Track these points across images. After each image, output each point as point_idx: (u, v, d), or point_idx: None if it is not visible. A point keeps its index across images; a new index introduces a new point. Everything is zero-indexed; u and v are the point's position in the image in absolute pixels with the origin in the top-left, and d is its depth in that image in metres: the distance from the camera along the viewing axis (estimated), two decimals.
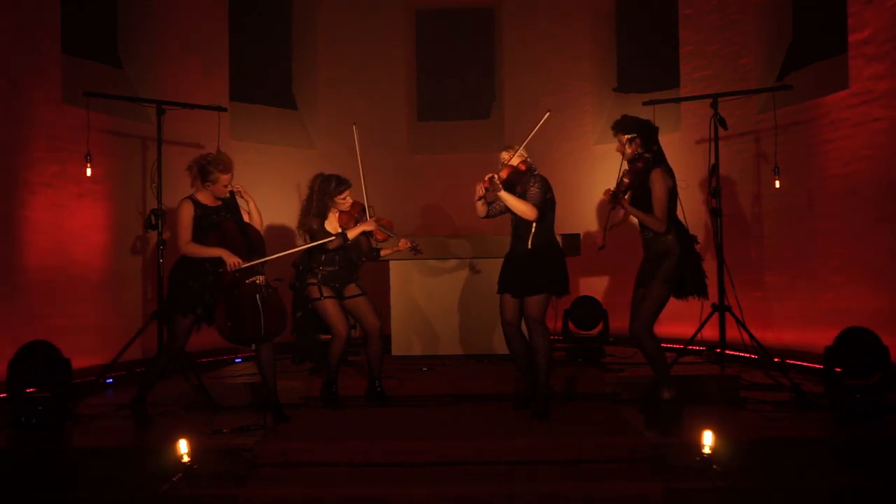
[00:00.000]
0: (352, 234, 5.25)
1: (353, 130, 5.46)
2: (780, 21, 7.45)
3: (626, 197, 4.82)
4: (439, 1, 9.51)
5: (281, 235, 7.91)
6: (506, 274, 5.16)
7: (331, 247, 5.22)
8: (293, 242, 7.09)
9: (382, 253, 5.67)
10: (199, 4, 7.95)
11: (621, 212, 5.07)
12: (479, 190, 5.05)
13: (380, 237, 5.41)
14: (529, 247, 5.02)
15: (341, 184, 5.26)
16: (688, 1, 7.92)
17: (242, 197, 4.94)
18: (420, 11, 9.49)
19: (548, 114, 4.99)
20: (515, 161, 5.05)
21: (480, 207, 5.19)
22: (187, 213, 4.82)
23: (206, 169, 4.83)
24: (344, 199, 5.27)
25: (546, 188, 5.02)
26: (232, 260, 4.68)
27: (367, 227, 5.28)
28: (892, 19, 6.08)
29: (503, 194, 4.98)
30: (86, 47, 7.20)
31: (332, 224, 5.30)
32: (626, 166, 4.90)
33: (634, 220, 4.90)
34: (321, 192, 5.25)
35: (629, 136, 4.85)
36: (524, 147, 5.07)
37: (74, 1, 6.97)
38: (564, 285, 5.04)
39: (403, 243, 5.44)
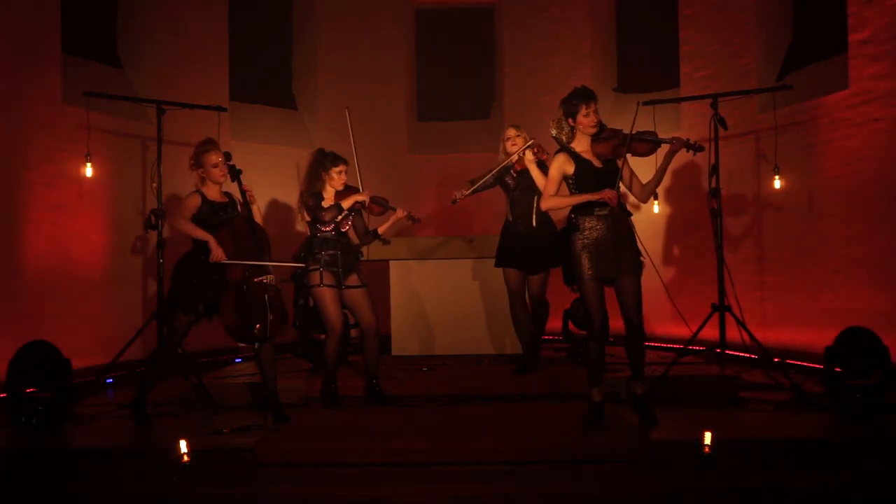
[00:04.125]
0: (346, 203, 5.28)
1: (346, 115, 5.68)
2: (780, 21, 7.44)
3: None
4: (439, 0, 9.51)
5: (281, 236, 7.90)
6: (508, 250, 5.73)
7: (327, 217, 5.24)
8: (293, 242, 7.07)
9: (380, 229, 5.62)
10: (198, 4, 7.95)
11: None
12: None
13: (375, 210, 5.47)
14: (535, 224, 5.62)
15: (337, 158, 5.36)
16: (688, 1, 7.91)
17: (248, 198, 4.97)
18: (420, 11, 9.49)
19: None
20: (531, 156, 5.44)
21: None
22: (193, 201, 4.91)
23: (196, 156, 4.96)
24: (339, 172, 5.33)
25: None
26: (217, 252, 4.72)
27: (360, 196, 5.33)
28: (892, 19, 6.07)
29: (533, 169, 5.42)
30: (86, 47, 7.20)
31: (328, 204, 5.34)
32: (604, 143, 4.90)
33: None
34: (317, 162, 5.36)
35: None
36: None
37: (74, 1, 6.96)
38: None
39: (401, 212, 5.48)
